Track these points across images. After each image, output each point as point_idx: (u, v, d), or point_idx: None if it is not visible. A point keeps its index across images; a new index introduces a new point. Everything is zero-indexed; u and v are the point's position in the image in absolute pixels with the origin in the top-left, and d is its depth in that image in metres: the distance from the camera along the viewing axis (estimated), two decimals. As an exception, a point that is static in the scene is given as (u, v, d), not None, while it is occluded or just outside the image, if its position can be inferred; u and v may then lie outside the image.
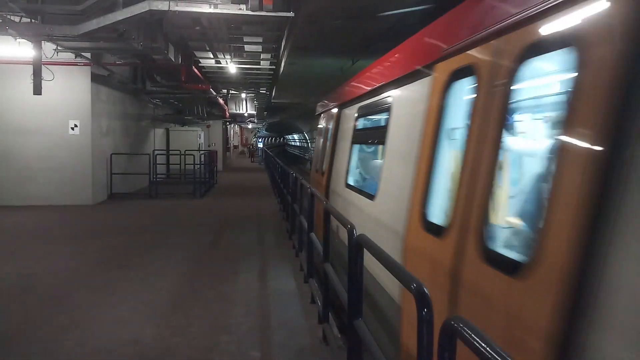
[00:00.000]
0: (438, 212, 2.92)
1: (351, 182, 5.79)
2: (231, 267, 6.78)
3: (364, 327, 2.79)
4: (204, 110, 22.98)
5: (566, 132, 1.82)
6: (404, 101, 3.99)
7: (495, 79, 2.34)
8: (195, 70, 15.03)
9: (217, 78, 19.48)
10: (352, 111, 6.16)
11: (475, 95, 2.55)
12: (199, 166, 15.88)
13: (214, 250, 8.01)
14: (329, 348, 4.13)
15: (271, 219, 11.08)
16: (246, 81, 20.63)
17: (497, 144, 2.27)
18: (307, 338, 4.43)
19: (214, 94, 19.75)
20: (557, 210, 1.77)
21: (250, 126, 49.75)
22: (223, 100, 23.08)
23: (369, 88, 5.28)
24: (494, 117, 2.32)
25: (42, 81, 9.40)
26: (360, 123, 5.81)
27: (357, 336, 2.82)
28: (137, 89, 15.84)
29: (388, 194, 4.02)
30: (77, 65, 12.05)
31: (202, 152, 18.45)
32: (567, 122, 1.82)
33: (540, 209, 1.97)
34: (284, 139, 76.94)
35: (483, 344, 1.28)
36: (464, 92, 2.83)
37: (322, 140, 8.48)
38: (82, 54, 11.48)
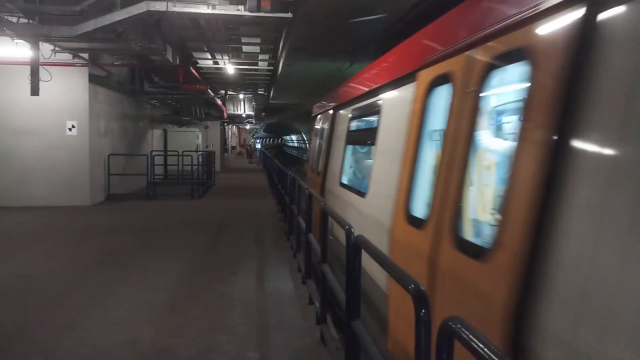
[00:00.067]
0: (419, 207, 3.26)
1: (345, 181, 6.06)
2: (229, 268, 6.77)
3: (361, 328, 2.79)
4: (202, 111, 22.99)
5: (520, 135, 2.11)
6: (392, 105, 4.28)
7: (467, 86, 2.64)
8: (193, 71, 15.03)
9: (215, 79, 19.48)
10: (345, 113, 6.48)
11: (450, 100, 2.86)
12: (196, 167, 15.87)
13: (212, 251, 8.00)
14: (326, 349, 4.13)
15: (269, 220, 11.08)
16: (244, 82, 20.63)
17: (467, 145, 2.57)
18: (305, 339, 4.43)
19: (212, 94, 19.74)
20: (512, 203, 2.05)
21: (248, 127, 49.71)
22: (221, 101, 23.07)
23: (360, 92, 5.56)
24: (465, 120, 2.63)
25: (40, 82, 9.38)
26: (353, 125, 6.11)
27: (355, 337, 2.83)
28: (135, 90, 15.83)
29: (378, 192, 4.30)
30: (74, 65, 12.04)
31: (200, 153, 18.44)
32: (521, 125, 2.11)
33: (499, 203, 2.29)
34: (281, 139, 76.96)
35: (481, 345, 1.29)
36: (441, 97, 3.12)
37: (318, 141, 8.74)
38: (80, 54, 11.46)
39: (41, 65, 9.51)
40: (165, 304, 5.29)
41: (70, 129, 12.40)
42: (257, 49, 14.09)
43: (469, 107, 2.60)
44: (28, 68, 9.34)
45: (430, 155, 3.29)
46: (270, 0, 7.78)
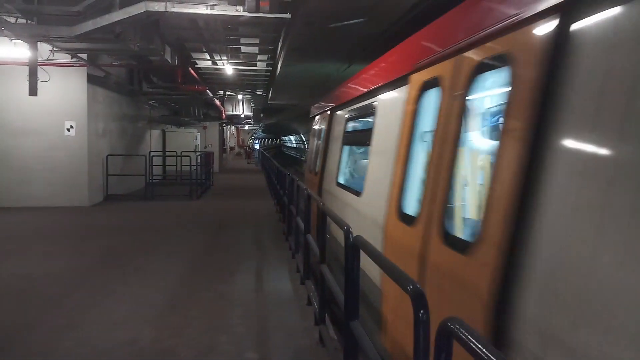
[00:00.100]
0: (410, 205, 3.43)
1: (341, 180, 6.22)
2: (228, 269, 6.78)
3: (360, 328, 2.80)
4: (201, 112, 22.96)
5: (501, 135, 2.25)
6: (386, 107, 4.45)
7: (454, 89, 2.80)
8: (192, 72, 15.02)
9: (213, 79, 19.47)
10: (342, 114, 6.68)
11: (439, 103, 3.02)
12: (195, 167, 15.86)
13: (211, 251, 8.00)
14: (325, 349, 4.14)
15: (268, 221, 11.08)
16: (243, 83, 20.63)
17: (454, 146, 2.73)
18: (303, 339, 4.43)
19: (211, 95, 19.73)
20: (494, 200, 2.19)
21: (246, 127, 49.70)
22: (219, 101, 23.05)
23: (356, 94, 5.73)
24: (452, 122, 2.78)
25: (38, 82, 9.38)
26: (349, 126, 6.28)
27: (354, 338, 2.84)
28: (134, 90, 15.81)
29: (372, 191, 4.46)
30: (73, 66, 12.02)
31: (199, 153, 18.43)
32: (503, 126, 2.26)
33: (483, 200, 2.43)
34: (280, 140, 76.98)
35: (479, 345, 1.30)
36: (431, 100, 3.27)
37: (315, 141, 8.89)
38: (78, 55, 11.45)
39: (39, 65, 9.51)
40: (165, 304, 5.29)
41: (68, 130, 12.38)
42: (255, 49, 14.08)
43: (456, 110, 2.76)
44: (26, 68, 9.33)
45: (421, 155, 3.45)
46: (269, 0, 7.78)
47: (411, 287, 1.86)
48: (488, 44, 2.46)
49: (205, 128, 27.13)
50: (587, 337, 1.58)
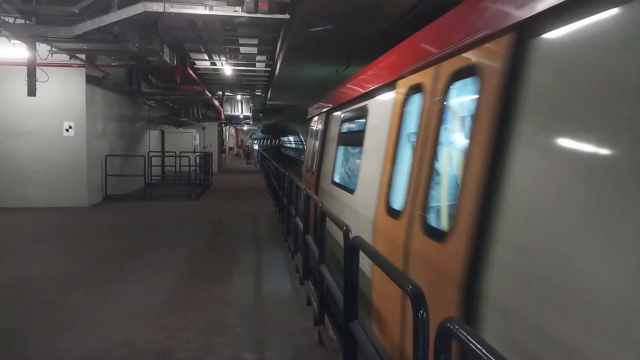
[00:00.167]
0: (396, 200, 3.73)
1: (337, 179, 6.49)
2: (227, 269, 6.77)
3: (359, 329, 2.80)
4: (200, 112, 22.95)
5: (471, 137, 2.52)
6: (376, 110, 4.80)
7: (434, 95, 3.13)
8: (191, 72, 15.01)
9: (212, 80, 19.47)
10: (337, 116, 7.04)
11: (421, 107, 3.36)
12: (194, 168, 15.85)
13: (210, 252, 7.99)
14: (324, 350, 4.13)
15: (267, 221, 11.08)
16: (242, 83, 20.63)
17: (433, 146, 3.05)
18: (303, 340, 4.43)
19: (209, 95, 19.73)
20: (465, 194, 2.47)
21: (245, 128, 49.67)
22: (218, 102, 23.05)
23: (350, 96, 6.05)
24: (431, 125, 3.11)
25: (37, 82, 9.36)
26: (344, 127, 6.61)
27: (353, 338, 2.83)
28: (132, 91, 15.81)
29: (364, 189, 4.76)
30: (71, 66, 12.02)
31: (198, 154, 18.42)
32: (472, 129, 2.53)
33: (456, 194, 2.70)
34: (279, 141, 76.99)
35: (479, 345, 1.29)
36: (415, 104, 3.62)
37: (313, 141, 9.18)
38: (77, 55, 11.45)
39: (38, 66, 9.49)
40: (163, 305, 5.28)
41: (67, 130, 12.37)
42: (254, 50, 14.09)
43: (436, 113, 3.09)
44: (25, 69, 9.31)
45: (406, 154, 3.78)
46: (267, 1, 7.79)
47: (410, 287, 1.86)
48: (461, 55, 2.78)
49: (204, 128, 27.12)
50: (544, 313, 1.81)
